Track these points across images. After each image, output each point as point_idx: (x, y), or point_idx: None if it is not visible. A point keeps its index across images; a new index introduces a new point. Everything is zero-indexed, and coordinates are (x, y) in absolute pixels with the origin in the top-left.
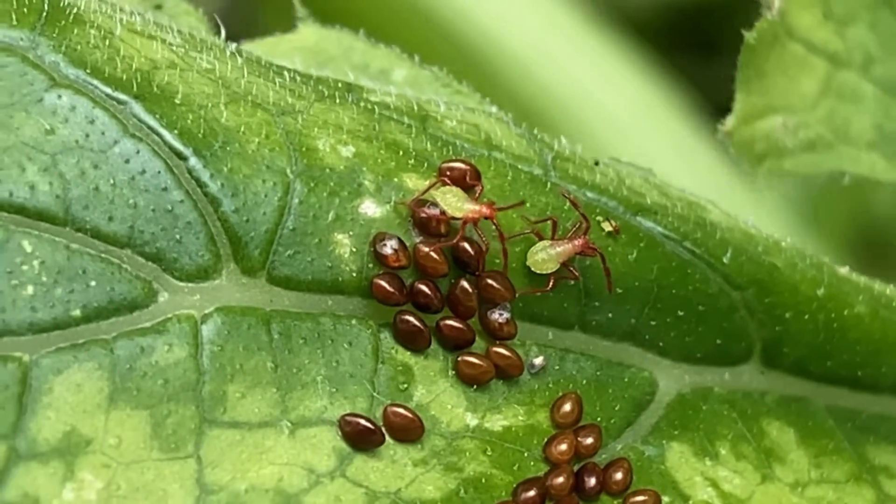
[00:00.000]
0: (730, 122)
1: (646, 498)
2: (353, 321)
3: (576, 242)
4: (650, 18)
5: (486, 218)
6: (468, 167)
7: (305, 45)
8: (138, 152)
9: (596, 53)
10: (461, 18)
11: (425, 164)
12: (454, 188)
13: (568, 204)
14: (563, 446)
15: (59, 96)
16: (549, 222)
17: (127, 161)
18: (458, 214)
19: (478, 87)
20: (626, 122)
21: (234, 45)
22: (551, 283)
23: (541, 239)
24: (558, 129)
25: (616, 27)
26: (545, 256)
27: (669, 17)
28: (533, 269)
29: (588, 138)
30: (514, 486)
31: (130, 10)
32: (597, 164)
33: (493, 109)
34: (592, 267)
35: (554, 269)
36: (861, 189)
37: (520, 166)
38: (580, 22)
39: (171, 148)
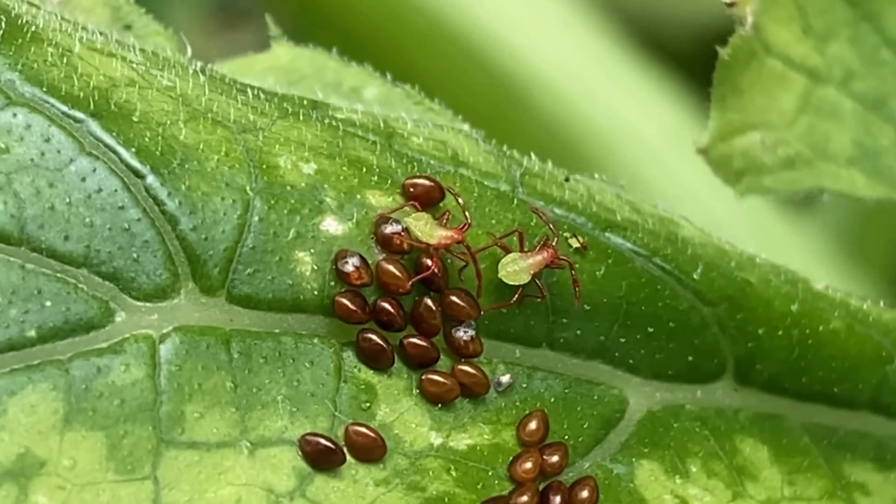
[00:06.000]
0: (704, 138)
1: None
2: (315, 340)
3: (545, 254)
4: (685, 48)
5: (457, 243)
6: (432, 184)
7: (279, 65)
8: (95, 170)
9: (632, 83)
10: (498, 48)
11: (389, 181)
12: (425, 214)
13: (534, 221)
14: (528, 464)
15: (15, 114)
16: (515, 236)
17: (83, 179)
18: (432, 242)
19: (512, 116)
20: (662, 150)
21: (198, 64)
22: (516, 297)
23: (508, 253)
24: (594, 157)
25: (651, 56)
26: (516, 268)
27: (704, 47)
28: (505, 280)
29: (624, 167)
30: None
31: (92, 28)
32: (567, 180)
33: (465, 127)
34: (560, 283)
35: (526, 281)
36: None
37: (486, 182)
38: (616, 51)
39: (129, 166)
